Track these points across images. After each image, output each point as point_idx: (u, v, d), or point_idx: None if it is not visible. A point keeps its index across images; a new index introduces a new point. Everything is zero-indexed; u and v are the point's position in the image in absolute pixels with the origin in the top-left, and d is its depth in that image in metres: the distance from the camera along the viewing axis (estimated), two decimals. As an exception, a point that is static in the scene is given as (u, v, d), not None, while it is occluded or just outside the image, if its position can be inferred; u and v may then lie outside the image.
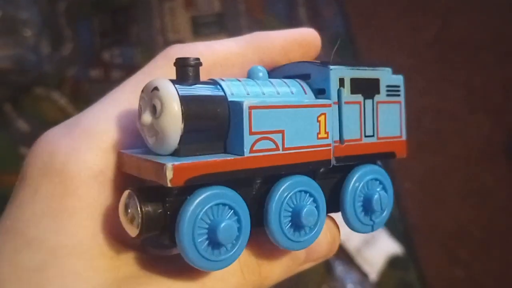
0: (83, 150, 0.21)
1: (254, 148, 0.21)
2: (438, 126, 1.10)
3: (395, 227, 0.99)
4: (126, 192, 0.20)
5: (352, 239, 0.95)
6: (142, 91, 0.20)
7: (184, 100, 0.20)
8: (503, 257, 1.01)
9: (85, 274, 0.20)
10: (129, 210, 0.20)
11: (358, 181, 0.24)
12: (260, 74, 0.24)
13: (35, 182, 0.21)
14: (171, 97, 0.20)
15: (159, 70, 0.24)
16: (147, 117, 0.20)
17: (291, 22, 1.13)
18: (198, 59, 0.21)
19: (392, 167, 1.04)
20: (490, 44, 1.16)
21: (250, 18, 1.13)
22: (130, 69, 1.03)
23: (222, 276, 0.22)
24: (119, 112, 0.22)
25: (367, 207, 0.25)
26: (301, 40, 0.28)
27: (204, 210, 0.19)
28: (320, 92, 0.25)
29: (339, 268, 0.92)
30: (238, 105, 0.21)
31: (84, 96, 1.01)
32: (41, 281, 0.20)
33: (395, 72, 0.28)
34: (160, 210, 0.20)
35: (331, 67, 0.25)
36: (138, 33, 1.11)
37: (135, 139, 0.22)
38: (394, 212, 1.01)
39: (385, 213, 0.25)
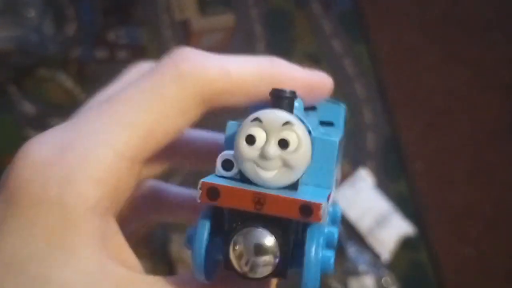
0: (78, 180, 0.20)
1: None
2: (448, 105, 1.09)
3: (407, 207, 0.99)
4: (256, 230, 0.19)
5: (364, 220, 0.94)
6: (258, 120, 0.19)
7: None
8: (512, 236, 1.02)
9: None
10: (262, 248, 0.19)
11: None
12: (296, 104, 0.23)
13: (30, 213, 0.19)
14: (307, 134, 0.20)
15: (170, 90, 0.22)
16: (274, 150, 0.19)
17: (298, -1, 1.11)
18: (294, 92, 0.21)
19: (404, 146, 1.04)
20: (500, 21, 1.15)
21: (257, -4, 1.11)
22: (136, 49, 1.03)
23: None
24: (118, 135, 0.21)
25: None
26: (318, 87, 0.26)
27: None
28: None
29: (351, 249, 0.92)
30: (328, 143, 0.22)
31: (90, 77, 0.99)
32: None
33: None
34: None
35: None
36: (143, 12, 1.09)
37: (131, 164, 0.21)
38: (405, 193, 1.01)
39: None
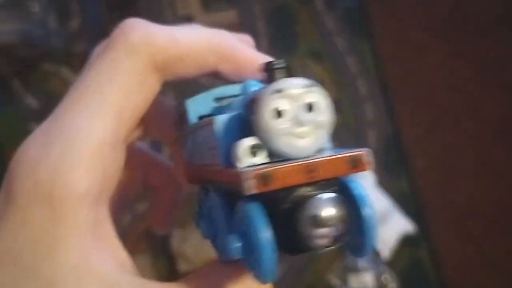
0: (67, 172, 0.20)
1: None
2: (452, 103, 1.09)
3: (408, 205, 0.99)
4: (325, 198, 0.19)
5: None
6: (279, 91, 0.19)
7: None
8: (515, 234, 1.02)
9: None
10: (328, 218, 0.19)
11: None
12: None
13: (24, 210, 0.20)
14: (325, 93, 0.20)
15: (125, 64, 0.22)
16: (305, 115, 0.19)
17: (302, -4, 1.11)
18: (286, 61, 0.21)
19: (406, 143, 1.03)
20: (506, 18, 1.14)
21: (260, -8, 1.11)
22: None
23: None
24: (95, 123, 0.21)
25: None
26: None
27: None
28: None
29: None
30: None
31: (93, 72, 0.99)
32: None
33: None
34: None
35: None
36: (147, 7, 1.09)
37: (113, 148, 0.22)
38: (407, 190, 1.01)
39: None
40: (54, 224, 0.20)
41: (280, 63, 0.21)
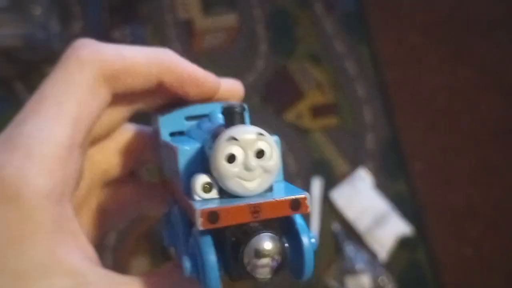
0: (32, 174, 0.22)
1: None
2: (450, 106, 1.09)
3: (405, 207, 0.99)
4: (265, 235, 0.21)
5: (362, 220, 0.95)
6: (234, 138, 0.21)
7: None
8: (512, 237, 1.02)
9: None
10: (267, 252, 0.21)
11: None
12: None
13: None
14: (274, 141, 0.22)
15: (77, 77, 0.25)
16: (254, 161, 0.22)
17: None
18: (243, 105, 0.23)
19: (404, 146, 1.04)
20: (504, 21, 1.15)
21: (260, -4, 1.12)
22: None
23: None
24: (54, 129, 0.23)
25: None
26: (205, 83, 0.28)
27: None
28: None
29: (349, 248, 0.93)
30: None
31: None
32: None
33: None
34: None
35: None
36: (148, 11, 1.10)
37: (71, 151, 0.24)
38: (405, 192, 1.01)
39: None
40: (21, 222, 0.21)
41: (237, 108, 0.22)
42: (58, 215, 0.23)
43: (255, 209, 0.21)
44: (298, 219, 0.23)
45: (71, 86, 0.24)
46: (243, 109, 0.23)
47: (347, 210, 0.95)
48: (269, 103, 1.04)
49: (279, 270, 0.21)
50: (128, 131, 0.31)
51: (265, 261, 0.21)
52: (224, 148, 0.21)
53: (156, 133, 0.29)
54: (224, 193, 0.22)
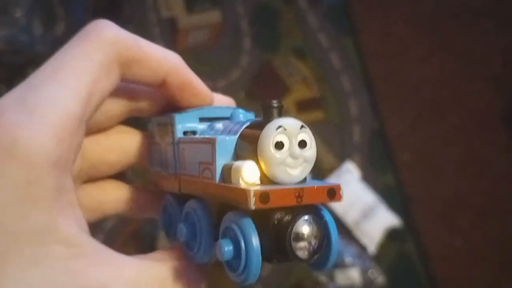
0: (44, 140, 0.22)
1: None
2: (437, 96, 1.09)
3: (393, 199, 0.99)
4: (305, 220, 0.23)
5: (350, 213, 0.95)
6: (282, 127, 0.23)
7: None
8: (502, 226, 1.02)
9: (41, 261, 0.21)
10: (305, 234, 0.22)
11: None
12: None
13: (1, 167, 0.22)
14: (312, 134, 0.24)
15: (97, 55, 0.26)
16: (299, 150, 0.23)
17: (285, -6, 1.12)
18: (280, 101, 0.24)
19: (391, 138, 1.04)
20: (489, 11, 1.15)
21: (243, -8, 1.12)
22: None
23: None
24: (68, 99, 0.24)
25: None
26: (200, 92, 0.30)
27: None
28: None
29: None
30: None
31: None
32: (2, 264, 0.21)
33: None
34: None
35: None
36: (131, 10, 1.09)
37: (80, 124, 0.24)
38: (392, 184, 1.01)
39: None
40: (27, 184, 0.22)
41: (277, 103, 0.24)
42: (61, 184, 0.23)
43: (299, 193, 0.22)
44: (327, 213, 0.24)
45: (90, 61, 0.25)
46: (281, 105, 0.24)
47: (335, 204, 0.94)
48: (255, 99, 1.04)
49: (315, 253, 0.23)
50: (123, 132, 0.32)
51: (303, 244, 0.22)
52: (273, 136, 0.23)
53: (151, 135, 0.31)
54: (264, 181, 0.23)
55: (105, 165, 0.31)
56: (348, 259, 0.91)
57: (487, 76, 1.11)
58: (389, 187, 1.00)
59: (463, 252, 1.00)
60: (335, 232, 0.24)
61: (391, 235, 0.96)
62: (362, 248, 0.94)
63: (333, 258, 0.24)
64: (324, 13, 1.11)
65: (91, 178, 0.31)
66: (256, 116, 0.29)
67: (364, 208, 0.95)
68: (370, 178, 0.99)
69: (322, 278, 0.91)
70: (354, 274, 0.90)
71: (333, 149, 1.02)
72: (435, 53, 1.12)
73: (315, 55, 1.08)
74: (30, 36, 1.02)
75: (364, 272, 0.91)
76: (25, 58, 1.02)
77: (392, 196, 0.99)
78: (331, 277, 0.91)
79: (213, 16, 1.10)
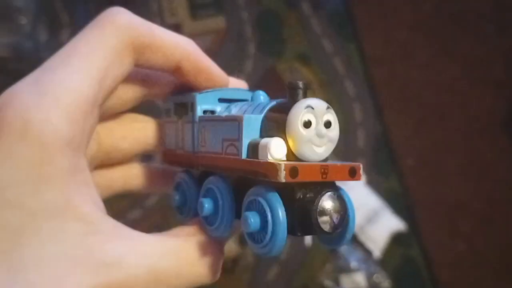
0: (57, 121, 0.23)
1: None
2: (439, 101, 1.10)
3: (398, 203, 0.99)
4: (330, 195, 0.24)
5: (355, 218, 0.95)
6: (310, 107, 0.24)
7: None
8: (504, 230, 1.02)
9: (58, 237, 0.22)
10: (329, 209, 0.23)
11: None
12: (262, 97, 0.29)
13: (14, 147, 0.22)
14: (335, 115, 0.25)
15: (111, 40, 0.26)
16: (324, 130, 0.24)
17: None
18: (306, 83, 0.25)
19: (394, 143, 1.04)
20: (491, 14, 1.15)
21: (247, -2, 1.12)
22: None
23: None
24: (82, 82, 0.25)
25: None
26: (216, 74, 0.31)
27: None
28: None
29: (343, 246, 0.93)
30: None
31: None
32: (20, 240, 0.21)
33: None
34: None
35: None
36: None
37: (93, 107, 0.25)
38: (397, 189, 1.01)
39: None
40: (42, 164, 0.22)
41: (302, 84, 0.25)
42: (75, 163, 0.24)
43: (325, 170, 0.23)
44: (345, 192, 0.25)
45: (103, 47, 0.26)
46: (306, 86, 0.25)
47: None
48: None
49: (337, 228, 0.24)
50: (137, 121, 0.32)
51: (326, 218, 0.23)
52: (302, 114, 0.24)
53: (166, 114, 0.32)
54: (290, 158, 0.24)
55: (118, 152, 0.31)
56: (353, 264, 0.91)
57: (490, 81, 1.11)
58: (393, 192, 1.00)
59: (466, 256, 1.01)
60: (353, 210, 0.25)
61: (396, 240, 0.96)
62: (367, 253, 0.94)
63: (349, 236, 0.25)
64: (327, 18, 1.11)
65: (103, 165, 0.32)
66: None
67: (368, 213, 0.95)
68: (374, 182, 0.99)
69: (328, 282, 0.92)
70: (359, 279, 0.91)
71: (336, 153, 1.02)
72: (437, 58, 1.12)
73: (319, 61, 1.09)
74: (35, 43, 1.02)
75: (369, 276, 0.91)
76: (30, 65, 1.02)
77: (396, 200, 0.99)
78: (337, 282, 0.91)
79: (217, 22, 1.10)
